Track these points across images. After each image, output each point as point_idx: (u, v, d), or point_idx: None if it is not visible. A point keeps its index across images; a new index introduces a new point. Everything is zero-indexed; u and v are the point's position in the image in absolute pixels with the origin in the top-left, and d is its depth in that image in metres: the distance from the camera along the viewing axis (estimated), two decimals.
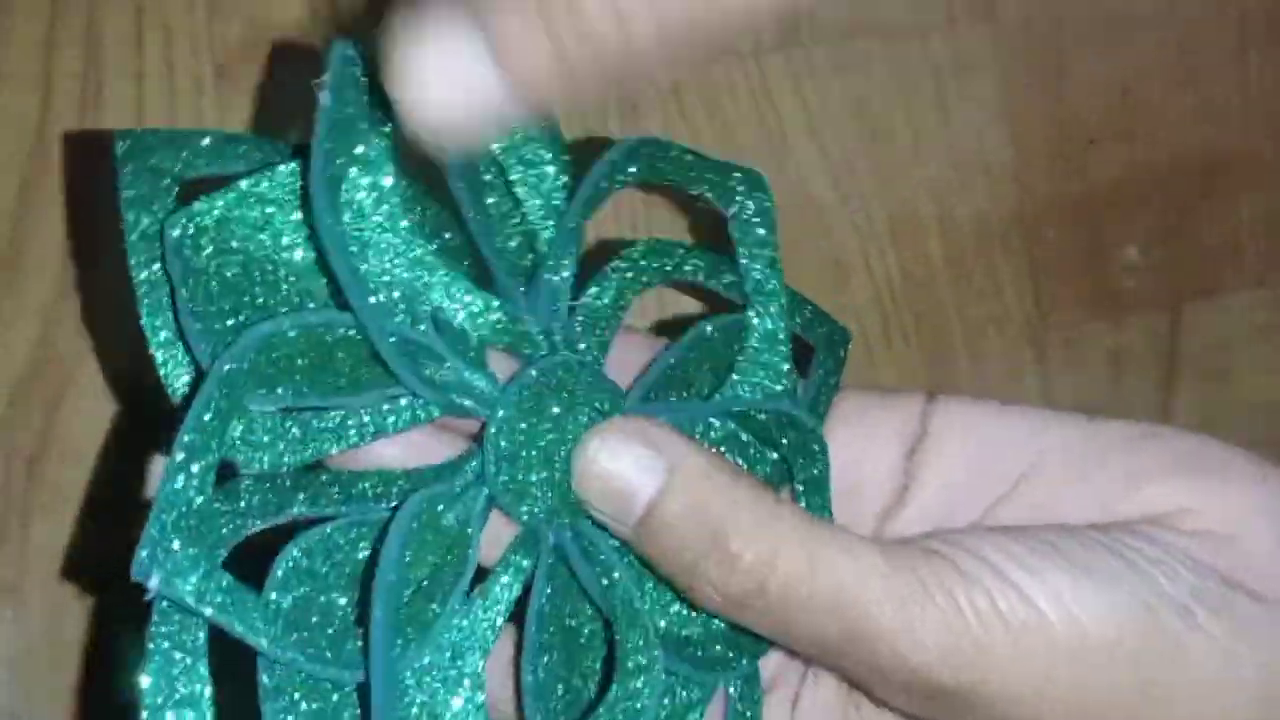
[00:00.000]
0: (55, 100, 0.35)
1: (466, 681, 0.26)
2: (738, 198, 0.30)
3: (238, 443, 0.25)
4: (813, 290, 0.32)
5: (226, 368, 0.24)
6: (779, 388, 0.31)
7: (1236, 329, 0.42)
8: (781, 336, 0.31)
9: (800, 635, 0.27)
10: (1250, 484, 0.30)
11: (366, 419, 0.27)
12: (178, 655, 0.25)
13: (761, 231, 0.31)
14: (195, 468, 0.23)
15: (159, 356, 0.26)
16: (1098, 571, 0.28)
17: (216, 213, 0.25)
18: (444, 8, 0.22)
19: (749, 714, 0.30)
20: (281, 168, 0.26)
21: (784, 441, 0.30)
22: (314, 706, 0.25)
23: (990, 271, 0.40)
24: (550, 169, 0.29)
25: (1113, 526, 0.30)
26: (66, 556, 0.34)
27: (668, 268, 0.31)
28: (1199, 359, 0.41)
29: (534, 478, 0.27)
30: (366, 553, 0.26)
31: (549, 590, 0.28)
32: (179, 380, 0.26)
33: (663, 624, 0.29)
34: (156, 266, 0.26)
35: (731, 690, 0.30)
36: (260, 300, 0.26)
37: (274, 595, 0.25)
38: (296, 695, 0.25)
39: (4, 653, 0.34)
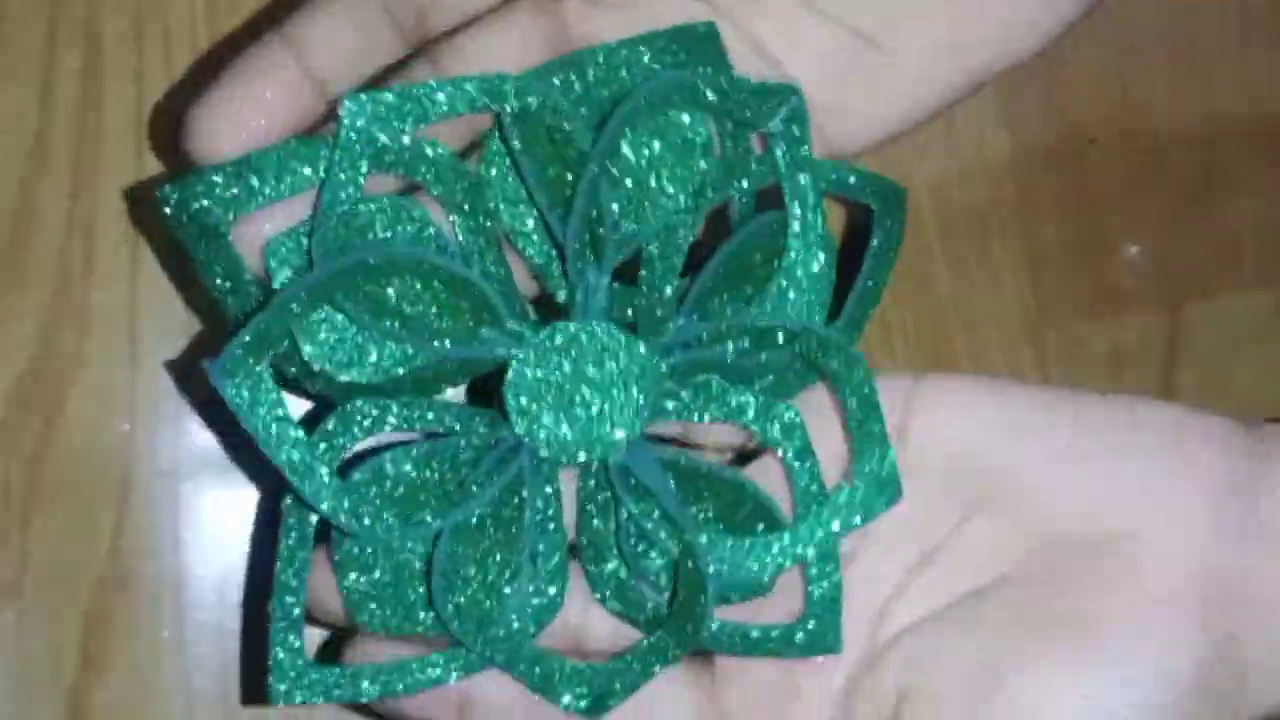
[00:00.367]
0: (55, 100, 0.35)
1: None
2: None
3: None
4: None
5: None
6: (811, 300, 0.31)
7: (1236, 329, 0.42)
8: (818, 232, 0.31)
9: None
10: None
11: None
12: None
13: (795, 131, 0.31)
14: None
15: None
16: None
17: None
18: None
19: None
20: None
21: (821, 360, 0.31)
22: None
23: (989, 270, 0.40)
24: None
25: None
26: None
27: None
28: (1199, 359, 0.41)
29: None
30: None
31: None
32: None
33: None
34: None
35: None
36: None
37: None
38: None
39: (4, 653, 0.34)
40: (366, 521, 0.28)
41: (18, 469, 0.34)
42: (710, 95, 0.29)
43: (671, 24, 0.30)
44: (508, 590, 0.30)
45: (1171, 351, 0.41)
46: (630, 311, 0.31)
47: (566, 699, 0.30)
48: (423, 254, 0.28)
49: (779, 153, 0.30)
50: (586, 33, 0.30)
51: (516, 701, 0.30)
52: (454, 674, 0.30)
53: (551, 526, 0.30)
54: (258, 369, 0.27)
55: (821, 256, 0.31)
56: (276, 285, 0.28)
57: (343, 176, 0.28)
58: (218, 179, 0.28)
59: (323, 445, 0.28)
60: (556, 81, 0.29)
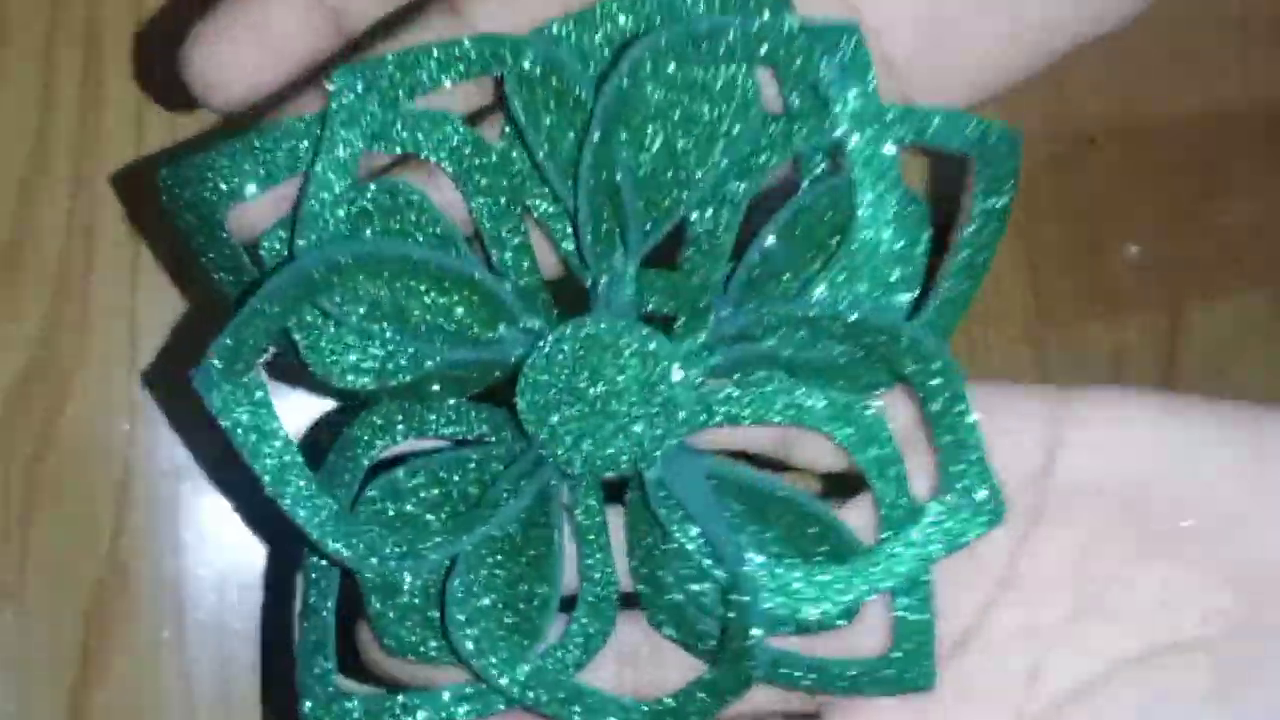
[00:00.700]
0: (55, 100, 0.35)
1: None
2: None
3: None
4: None
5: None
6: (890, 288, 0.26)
7: (1236, 329, 0.42)
8: (894, 194, 0.26)
9: None
10: None
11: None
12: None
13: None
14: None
15: None
16: None
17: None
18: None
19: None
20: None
21: (893, 357, 0.26)
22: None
23: (989, 270, 0.40)
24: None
25: None
26: None
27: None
28: (1199, 359, 0.41)
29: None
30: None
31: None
32: None
33: None
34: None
35: None
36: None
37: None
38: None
39: (4, 653, 0.34)
40: (373, 561, 0.25)
41: (18, 469, 0.34)
42: (737, 37, 0.25)
43: None
44: (539, 622, 0.26)
45: (1171, 351, 0.41)
46: (671, 300, 0.27)
47: None
48: (410, 249, 0.25)
49: (836, 102, 0.25)
50: None
51: None
52: (483, 712, 0.27)
53: (596, 546, 0.27)
54: (245, 377, 0.25)
55: (893, 228, 0.25)
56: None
57: (331, 158, 0.25)
58: (217, 162, 0.25)
59: (341, 458, 0.26)
60: (567, 36, 0.25)
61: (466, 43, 0.25)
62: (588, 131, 0.25)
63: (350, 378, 0.26)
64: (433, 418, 0.27)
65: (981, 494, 0.25)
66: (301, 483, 0.25)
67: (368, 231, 0.25)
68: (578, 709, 0.26)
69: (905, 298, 0.26)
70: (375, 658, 0.27)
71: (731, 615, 0.26)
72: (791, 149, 0.26)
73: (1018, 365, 0.40)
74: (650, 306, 0.27)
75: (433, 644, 0.26)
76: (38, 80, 0.35)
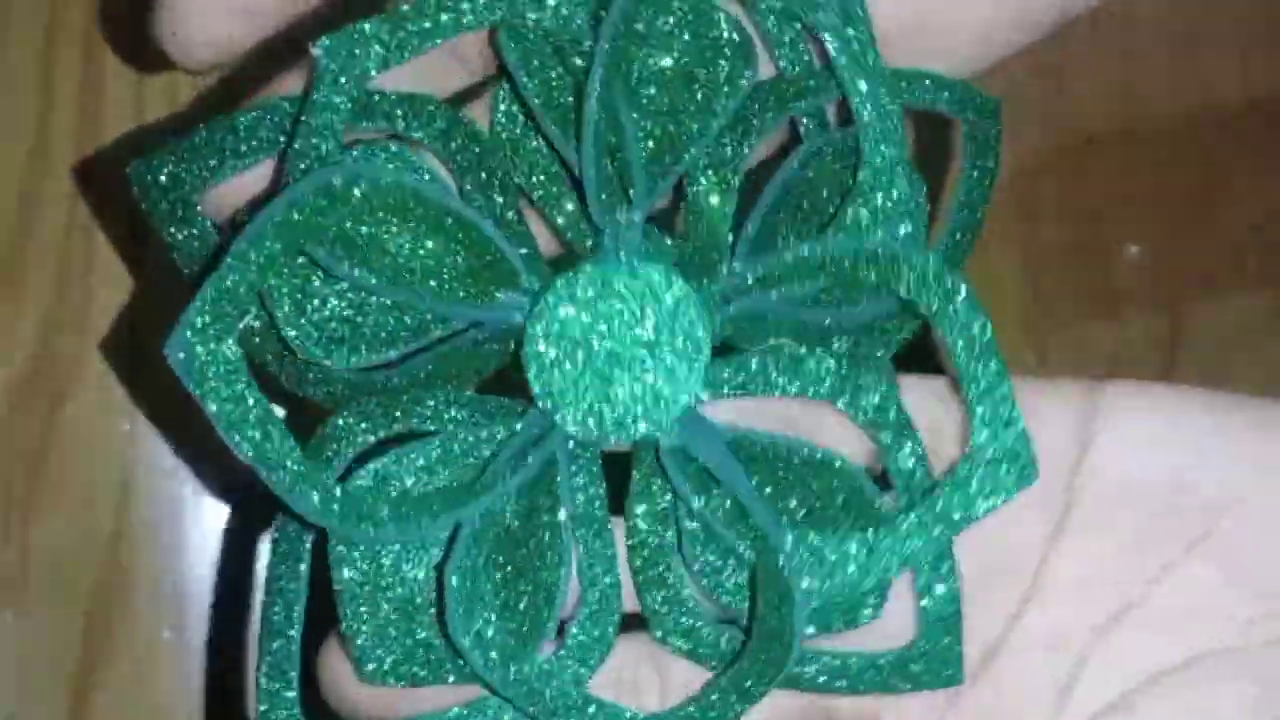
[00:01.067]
0: (55, 100, 0.35)
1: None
2: None
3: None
4: None
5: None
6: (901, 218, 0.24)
7: (1236, 329, 0.42)
8: (893, 145, 0.24)
9: None
10: None
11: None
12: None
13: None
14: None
15: None
16: None
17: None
18: None
19: None
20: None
21: (913, 291, 0.24)
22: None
23: (989, 270, 0.40)
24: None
25: None
26: None
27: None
28: (1199, 359, 0.41)
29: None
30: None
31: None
32: None
33: None
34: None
35: None
36: None
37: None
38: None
39: (4, 653, 0.34)
40: (369, 527, 0.23)
41: (18, 468, 0.34)
42: None
43: None
44: (545, 616, 0.24)
45: (1171, 351, 0.41)
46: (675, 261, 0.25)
47: None
48: (416, 183, 0.23)
49: (836, 55, 0.24)
50: None
51: None
52: None
53: (597, 538, 0.25)
54: (223, 347, 0.22)
55: (901, 180, 0.24)
56: None
57: (317, 121, 0.23)
58: (192, 143, 0.23)
59: (319, 451, 0.24)
60: None
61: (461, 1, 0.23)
62: (588, 78, 0.23)
63: (336, 352, 0.23)
64: (418, 408, 0.24)
65: (1010, 445, 0.23)
66: (288, 457, 0.22)
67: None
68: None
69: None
70: (345, 694, 0.24)
71: (762, 590, 0.23)
72: (789, 108, 0.24)
73: (1018, 365, 0.40)
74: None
75: (417, 662, 0.24)
76: (38, 80, 0.35)
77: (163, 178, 0.24)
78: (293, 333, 0.23)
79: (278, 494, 0.23)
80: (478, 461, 0.24)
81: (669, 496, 0.24)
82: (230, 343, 0.22)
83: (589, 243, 0.25)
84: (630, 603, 0.25)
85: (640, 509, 0.25)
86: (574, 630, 0.24)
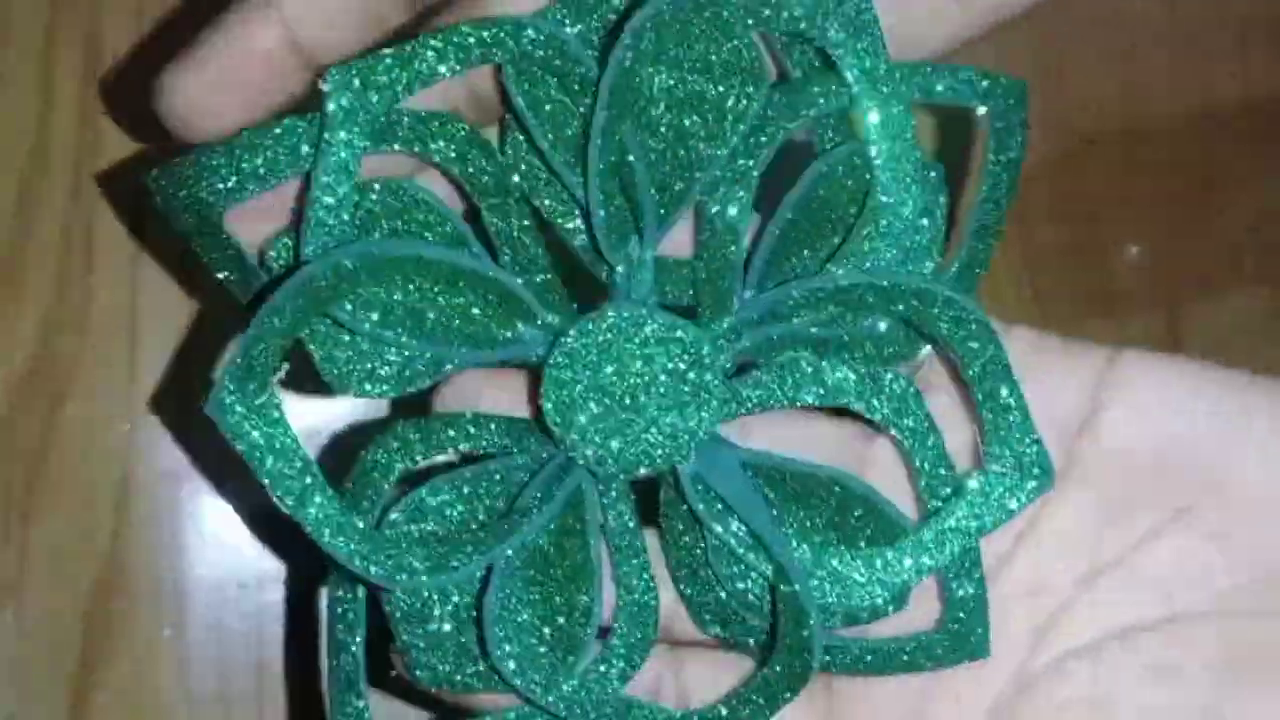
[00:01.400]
0: (55, 100, 0.35)
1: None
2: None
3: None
4: None
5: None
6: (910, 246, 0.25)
7: (1236, 329, 0.42)
8: (912, 159, 0.24)
9: None
10: None
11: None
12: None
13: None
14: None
15: None
16: None
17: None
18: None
19: None
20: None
21: (927, 320, 0.25)
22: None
23: (989, 271, 0.40)
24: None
25: None
26: None
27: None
28: (1199, 358, 0.41)
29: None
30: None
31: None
32: None
33: None
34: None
35: None
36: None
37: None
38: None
39: (3, 653, 0.34)
40: (403, 576, 0.24)
41: (18, 469, 0.34)
42: (732, 7, 0.23)
43: None
44: (581, 634, 0.25)
45: (1171, 351, 0.41)
46: (690, 289, 0.26)
47: None
48: (422, 248, 0.24)
49: (845, 65, 0.24)
50: None
51: None
52: None
53: (630, 552, 0.26)
54: (259, 399, 0.23)
55: (917, 193, 0.24)
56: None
57: (332, 160, 0.23)
58: (210, 162, 0.24)
59: (358, 486, 0.25)
60: (567, 20, 0.24)
61: (465, 28, 0.23)
62: (593, 114, 0.24)
63: (369, 387, 0.25)
64: (451, 433, 0.25)
65: (1028, 458, 0.25)
66: (324, 503, 0.24)
67: (375, 234, 0.24)
68: None
69: (929, 265, 0.25)
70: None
71: (783, 609, 0.25)
72: (799, 118, 0.25)
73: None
74: (669, 297, 0.26)
75: (469, 670, 0.25)
76: (38, 80, 0.35)
77: (182, 193, 0.24)
78: (328, 374, 0.24)
79: (317, 543, 0.24)
80: (507, 488, 0.25)
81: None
82: (266, 397, 0.23)
83: (604, 272, 0.25)
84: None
85: (673, 517, 0.26)
86: (615, 637, 0.26)
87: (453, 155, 0.25)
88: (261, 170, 0.24)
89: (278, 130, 0.24)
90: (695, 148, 0.24)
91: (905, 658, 0.26)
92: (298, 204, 0.24)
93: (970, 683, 0.26)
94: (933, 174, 0.25)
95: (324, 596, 0.26)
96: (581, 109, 0.24)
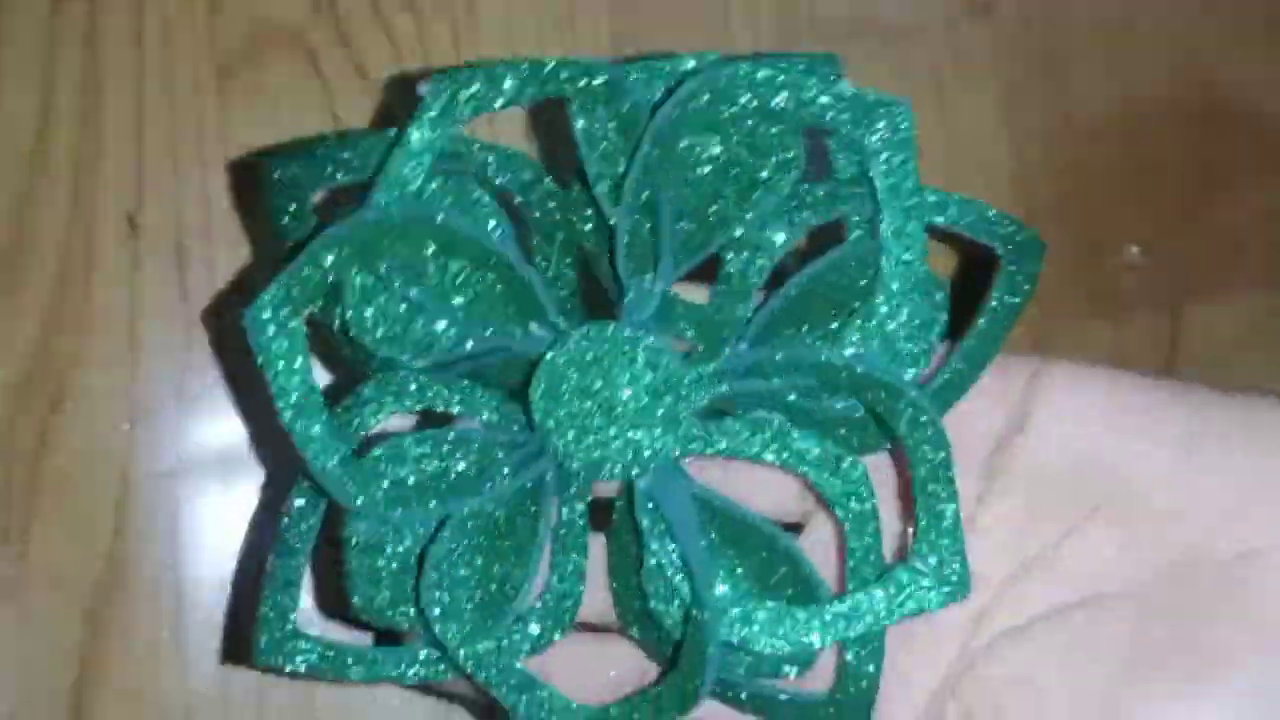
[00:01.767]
0: (55, 100, 0.35)
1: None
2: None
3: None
4: None
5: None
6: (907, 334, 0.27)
7: (1237, 329, 0.42)
8: (915, 268, 0.26)
9: None
10: None
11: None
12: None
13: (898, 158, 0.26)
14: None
15: None
16: None
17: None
18: None
19: None
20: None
21: (889, 415, 0.27)
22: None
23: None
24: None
25: None
26: None
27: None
28: (1199, 359, 0.41)
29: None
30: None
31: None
32: None
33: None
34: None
35: None
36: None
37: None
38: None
39: (4, 653, 0.34)
40: (372, 501, 0.26)
41: (18, 469, 0.34)
42: (784, 93, 0.26)
43: None
44: (506, 605, 0.27)
45: (1172, 351, 0.41)
46: (694, 330, 0.28)
47: None
48: (477, 232, 0.26)
49: (876, 173, 0.26)
50: None
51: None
52: (437, 677, 0.28)
53: (571, 546, 0.28)
54: (290, 323, 0.25)
55: (912, 305, 0.27)
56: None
57: (421, 136, 0.26)
58: (323, 149, 0.27)
59: (349, 414, 0.27)
60: (640, 79, 0.27)
61: (551, 63, 0.26)
62: (637, 151, 0.26)
63: (388, 348, 0.27)
64: (447, 394, 0.27)
65: (950, 570, 0.27)
66: (317, 423, 0.26)
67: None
68: (524, 699, 0.27)
69: (911, 373, 0.27)
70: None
71: (690, 633, 0.27)
72: (834, 211, 0.27)
73: None
74: (675, 334, 0.28)
75: (400, 609, 0.27)
76: (38, 80, 0.35)
77: (287, 176, 0.27)
78: (354, 325, 0.26)
79: (301, 452, 0.26)
80: (482, 456, 0.27)
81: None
82: (296, 322, 0.25)
83: (618, 296, 0.28)
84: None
85: (620, 524, 0.28)
86: (533, 615, 0.27)
87: (519, 184, 0.27)
88: (356, 163, 0.27)
89: (377, 137, 0.27)
90: (724, 208, 0.27)
91: (788, 710, 0.28)
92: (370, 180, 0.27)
93: (920, 667, 0.29)
94: (939, 294, 0.27)
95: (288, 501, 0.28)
96: (629, 151, 0.26)
